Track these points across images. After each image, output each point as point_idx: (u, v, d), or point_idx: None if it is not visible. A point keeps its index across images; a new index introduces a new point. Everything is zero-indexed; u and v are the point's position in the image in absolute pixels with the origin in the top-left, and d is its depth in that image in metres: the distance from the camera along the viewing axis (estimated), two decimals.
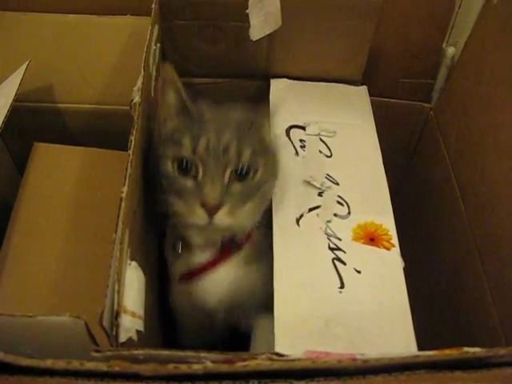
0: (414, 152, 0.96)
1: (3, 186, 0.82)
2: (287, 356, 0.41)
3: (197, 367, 0.37)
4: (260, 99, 0.80)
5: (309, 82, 0.83)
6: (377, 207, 0.67)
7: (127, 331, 0.49)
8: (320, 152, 0.73)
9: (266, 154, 0.67)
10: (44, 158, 0.78)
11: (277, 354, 0.40)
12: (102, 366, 0.38)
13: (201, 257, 0.71)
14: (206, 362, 0.38)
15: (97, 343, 0.48)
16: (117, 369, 0.38)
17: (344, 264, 0.60)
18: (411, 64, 0.87)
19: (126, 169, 0.55)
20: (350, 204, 0.67)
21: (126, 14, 0.81)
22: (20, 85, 0.72)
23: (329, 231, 0.64)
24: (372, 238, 0.63)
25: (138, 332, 0.50)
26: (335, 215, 0.65)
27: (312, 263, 0.61)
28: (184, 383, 0.38)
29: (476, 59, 0.78)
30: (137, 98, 0.68)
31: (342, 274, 0.59)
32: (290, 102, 0.79)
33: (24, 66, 0.75)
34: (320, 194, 0.68)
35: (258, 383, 0.39)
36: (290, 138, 0.74)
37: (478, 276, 0.69)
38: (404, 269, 0.61)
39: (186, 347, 0.41)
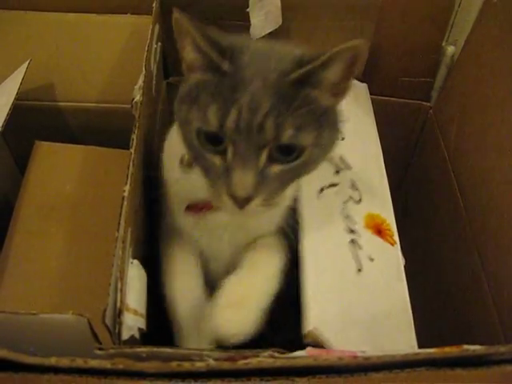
0: (413, 150, 0.96)
1: (4, 184, 0.82)
2: (289, 354, 0.41)
3: (199, 365, 0.38)
4: None
5: None
6: (380, 203, 0.68)
7: (130, 329, 0.49)
8: None
9: (322, 122, 0.53)
10: (45, 157, 0.78)
11: (278, 352, 0.41)
12: (106, 364, 0.39)
13: None
14: (209, 359, 0.39)
15: (99, 341, 0.48)
16: (120, 366, 0.38)
17: (360, 248, 0.61)
18: (411, 63, 0.87)
19: (128, 167, 0.56)
20: (361, 191, 0.67)
21: (126, 13, 0.81)
22: (21, 83, 0.73)
23: (345, 212, 0.64)
24: (379, 230, 0.64)
25: (139, 330, 0.51)
26: (350, 198, 0.66)
27: (332, 241, 0.62)
28: (187, 380, 0.39)
29: (476, 58, 0.78)
30: (138, 97, 0.69)
31: (359, 258, 0.60)
32: None
33: (25, 65, 0.76)
34: (337, 172, 0.68)
35: (259, 380, 0.39)
36: None
37: (478, 275, 0.69)
38: (404, 266, 0.61)
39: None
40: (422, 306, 0.62)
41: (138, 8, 0.79)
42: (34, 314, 0.46)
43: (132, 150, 0.57)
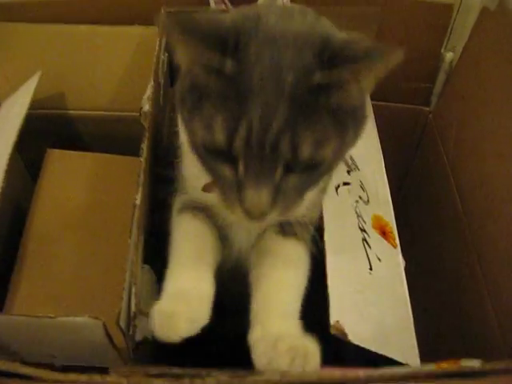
0: (414, 154, 0.97)
1: (16, 190, 0.84)
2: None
3: (210, 380, 0.40)
4: None
5: None
6: (383, 206, 0.69)
7: (143, 331, 0.51)
8: None
9: (346, 125, 0.47)
10: (57, 164, 0.80)
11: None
12: (123, 381, 0.41)
13: None
14: (218, 375, 0.40)
15: (113, 342, 0.51)
16: (134, 381, 0.40)
17: (370, 247, 0.62)
18: (411, 69, 0.88)
19: (139, 176, 0.58)
20: (367, 193, 0.69)
21: (133, 24, 0.83)
22: (33, 94, 0.75)
23: (357, 210, 0.65)
24: (384, 231, 0.66)
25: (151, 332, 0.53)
26: (360, 198, 0.67)
27: (349, 237, 0.62)
28: None
29: (474, 64, 0.79)
30: (147, 107, 0.71)
31: (370, 257, 0.61)
32: None
33: (37, 76, 0.78)
34: (348, 172, 0.69)
35: None
36: None
37: (477, 277, 0.70)
38: (405, 268, 0.63)
39: None
40: (422, 306, 0.63)
41: (146, 19, 0.81)
42: (53, 317, 0.48)
43: (142, 160, 0.59)
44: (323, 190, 0.62)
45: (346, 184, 0.68)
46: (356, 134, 0.49)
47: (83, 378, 0.40)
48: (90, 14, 0.83)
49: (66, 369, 0.46)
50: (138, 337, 0.52)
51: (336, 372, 0.42)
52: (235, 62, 0.44)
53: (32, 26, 0.84)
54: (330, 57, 0.44)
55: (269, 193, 0.44)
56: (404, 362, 0.52)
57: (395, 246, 0.65)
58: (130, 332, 0.50)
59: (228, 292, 0.58)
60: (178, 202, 0.61)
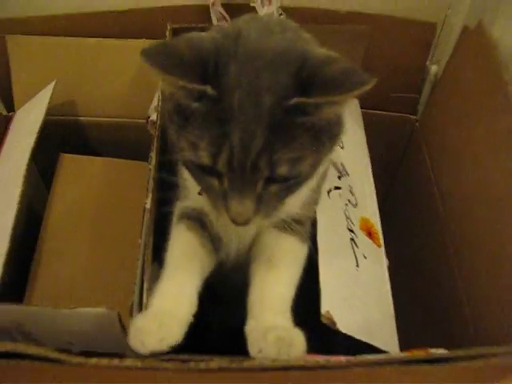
0: (401, 159, 1.01)
1: (30, 193, 0.89)
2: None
3: (212, 364, 0.44)
4: None
5: None
6: (370, 209, 0.74)
7: None
8: None
9: (322, 139, 0.49)
10: (69, 167, 0.84)
11: None
12: (137, 363, 0.45)
13: None
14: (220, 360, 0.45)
15: (126, 331, 0.55)
16: (147, 365, 0.45)
17: (357, 247, 0.67)
18: (399, 80, 0.93)
19: (148, 182, 0.63)
20: (356, 197, 0.73)
21: (141, 38, 0.87)
22: (49, 102, 0.80)
23: (346, 213, 0.70)
24: (370, 232, 0.71)
25: None
26: (349, 201, 0.72)
27: (339, 236, 0.66)
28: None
29: (455, 78, 0.84)
30: (154, 116, 0.76)
31: (357, 255, 0.66)
32: None
33: (52, 85, 0.82)
34: (339, 177, 0.73)
35: (260, 371, 0.45)
36: None
37: (453, 273, 0.75)
38: (388, 266, 0.69)
39: None
40: (404, 300, 0.68)
41: (153, 34, 0.85)
42: (72, 308, 0.53)
43: (151, 167, 0.64)
44: (316, 190, 0.64)
45: (337, 188, 0.72)
46: (332, 145, 0.53)
47: (103, 361, 0.45)
48: (101, 29, 0.88)
49: (83, 354, 0.50)
50: None
51: (320, 358, 0.46)
52: (215, 87, 0.46)
53: (46, 39, 0.88)
54: (307, 81, 0.46)
55: (251, 203, 0.49)
56: (385, 349, 0.57)
57: (380, 246, 0.70)
58: None
59: (231, 285, 0.64)
60: (178, 209, 0.64)
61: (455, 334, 0.74)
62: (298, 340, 0.50)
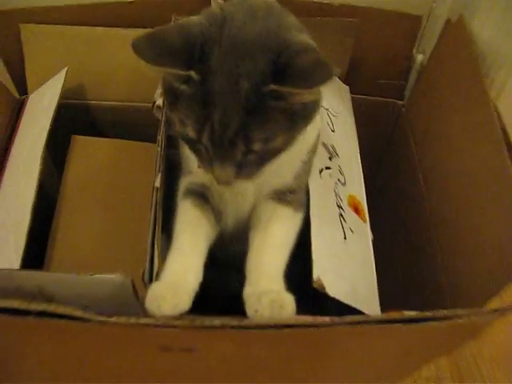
0: (388, 142, 1.06)
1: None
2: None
3: (216, 322, 0.50)
4: None
5: None
6: (357, 187, 0.79)
7: None
8: (328, 124, 0.81)
9: (296, 118, 0.54)
10: (81, 148, 0.89)
11: None
12: (152, 321, 0.51)
13: None
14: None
15: (137, 295, 0.59)
16: (161, 322, 0.51)
17: (345, 221, 0.71)
18: (387, 68, 0.97)
19: (156, 163, 0.68)
20: (345, 176, 0.78)
21: (146, 27, 0.91)
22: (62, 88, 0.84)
23: (336, 191, 0.74)
24: (356, 209, 0.76)
25: None
26: (339, 180, 0.76)
27: (328, 211, 0.70)
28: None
29: (439, 68, 0.88)
30: (160, 101, 0.80)
31: (344, 229, 0.71)
32: None
33: (64, 71, 0.86)
34: (330, 158, 0.77)
35: (257, 329, 0.51)
36: None
37: (434, 247, 0.80)
38: (373, 240, 0.74)
39: None
40: (386, 270, 0.74)
41: (158, 24, 0.89)
42: (92, 274, 0.57)
43: (159, 149, 0.69)
44: (307, 162, 0.68)
45: (327, 168, 0.76)
46: (305, 124, 0.57)
47: (122, 319, 0.50)
48: (108, 18, 0.91)
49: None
50: None
51: (308, 318, 0.52)
52: (200, 71, 0.51)
53: (57, 28, 0.91)
54: (282, 69, 0.50)
55: (231, 168, 0.55)
56: (368, 313, 0.62)
57: (365, 221, 0.75)
58: None
59: (231, 252, 0.69)
60: (182, 185, 0.70)
61: (433, 301, 0.80)
62: (288, 303, 0.56)
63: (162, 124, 0.72)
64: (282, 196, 0.68)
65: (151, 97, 0.88)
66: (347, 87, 0.95)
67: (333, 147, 0.81)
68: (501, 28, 0.76)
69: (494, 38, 0.78)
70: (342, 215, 0.72)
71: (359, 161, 0.83)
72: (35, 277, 0.60)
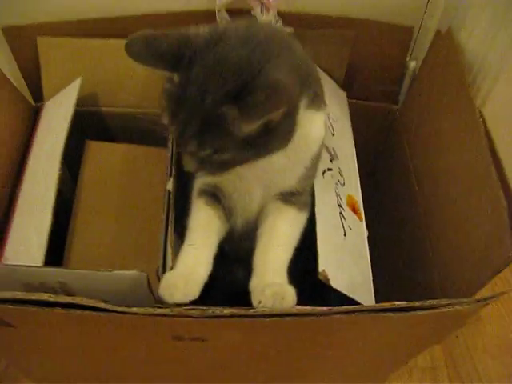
0: (384, 143, 1.10)
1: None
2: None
3: (226, 311, 0.55)
4: None
5: None
6: (354, 188, 0.83)
7: None
8: (329, 128, 0.84)
9: (247, 144, 0.58)
10: (95, 152, 0.93)
11: None
12: (167, 311, 0.56)
13: None
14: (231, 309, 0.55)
15: (152, 291, 0.63)
16: (176, 312, 0.56)
17: (344, 219, 0.75)
18: (382, 75, 1.01)
19: (169, 167, 0.72)
20: (344, 177, 0.82)
21: None
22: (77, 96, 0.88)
23: (336, 191, 0.77)
24: (354, 208, 0.80)
25: None
26: (338, 181, 0.80)
27: (331, 210, 0.74)
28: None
29: (430, 75, 0.91)
30: None
31: (344, 226, 0.74)
32: None
33: (79, 80, 0.90)
34: (331, 160, 0.81)
35: (262, 317, 0.56)
36: None
37: (424, 242, 0.84)
38: (368, 237, 0.78)
39: None
40: (382, 267, 0.78)
41: None
42: (110, 270, 0.61)
43: (169, 154, 0.74)
44: (311, 168, 0.71)
45: (329, 170, 0.80)
46: (258, 154, 0.61)
47: (141, 310, 0.55)
48: (119, 30, 0.90)
49: None
50: None
51: (308, 308, 0.57)
52: (181, 76, 0.56)
53: (71, 40, 0.95)
54: (244, 98, 0.54)
55: (192, 163, 0.61)
56: (364, 303, 0.66)
57: (361, 220, 0.79)
58: None
59: (240, 248, 0.74)
60: (197, 185, 0.73)
61: (425, 294, 0.83)
62: (289, 294, 0.61)
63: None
64: (287, 197, 0.71)
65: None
66: (344, 93, 0.99)
67: (333, 150, 0.85)
68: (486, 39, 0.80)
69: (479, 49, 0.81)
70: (342, 214, 0.76)
71: (355, 163, 0.87)
72: (58, 273, 0.63)
